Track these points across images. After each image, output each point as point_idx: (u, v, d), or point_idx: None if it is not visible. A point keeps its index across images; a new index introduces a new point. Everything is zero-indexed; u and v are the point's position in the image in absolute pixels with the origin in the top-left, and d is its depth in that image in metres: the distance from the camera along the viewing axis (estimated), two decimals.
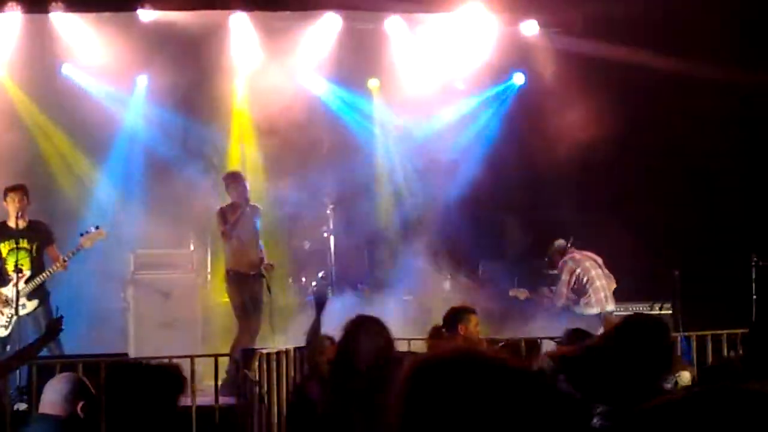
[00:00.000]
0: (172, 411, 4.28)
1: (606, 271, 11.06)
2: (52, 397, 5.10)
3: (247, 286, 10.88)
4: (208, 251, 12.76)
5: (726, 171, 11.98)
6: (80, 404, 5.10)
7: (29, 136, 12.80)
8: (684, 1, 10.32)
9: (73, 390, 5.15)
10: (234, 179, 11.14)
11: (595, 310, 10.79)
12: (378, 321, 6.03)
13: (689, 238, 12.09)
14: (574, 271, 10.93)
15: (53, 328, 7.29)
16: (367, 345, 5.78)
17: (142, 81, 13.21)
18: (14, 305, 9.87)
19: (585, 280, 10.87)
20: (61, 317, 7.86)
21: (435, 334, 8.58)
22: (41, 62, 12.70)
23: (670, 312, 11.65)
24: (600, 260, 11.09)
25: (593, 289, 10.83)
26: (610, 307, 10.79)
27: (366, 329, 5.87)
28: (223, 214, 11.00)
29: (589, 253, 11.18)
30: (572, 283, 10.88)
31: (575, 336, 7.76)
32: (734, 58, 10.89)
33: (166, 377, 4.33)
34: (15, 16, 12.02)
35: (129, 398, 4.21)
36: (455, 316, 8.52)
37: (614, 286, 11.12)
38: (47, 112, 12.76)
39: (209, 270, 12.77)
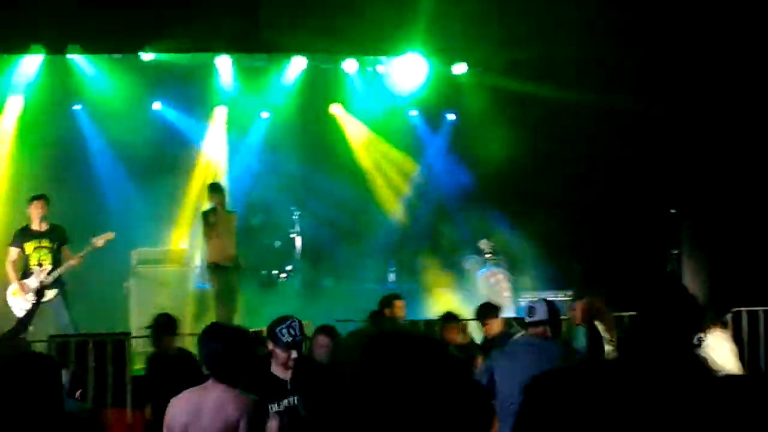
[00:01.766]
0: None
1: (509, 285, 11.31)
2: None
3: (225, 276, 10.94)
4: (197, 248, 12.62)
5: (611, 184, 12.30)
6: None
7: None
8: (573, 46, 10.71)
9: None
10: (214, 189, 11.22)
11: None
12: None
13: (589, 242, 12.40)
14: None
15: None
16: None
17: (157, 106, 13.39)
18: (37, 294, 9.97)
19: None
20: None
21: (371, 316, 8.86)
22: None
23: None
24: (510, 277, 11.38)
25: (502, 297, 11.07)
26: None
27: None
28: (206, 217, 11.07)
29: (506, 272, 11.49)
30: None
31: None
32: (617, 88, 11.26)
33: None
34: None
35: None
36: (383, 301, 8.84)
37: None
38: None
39: (198, 263, 12.68)
